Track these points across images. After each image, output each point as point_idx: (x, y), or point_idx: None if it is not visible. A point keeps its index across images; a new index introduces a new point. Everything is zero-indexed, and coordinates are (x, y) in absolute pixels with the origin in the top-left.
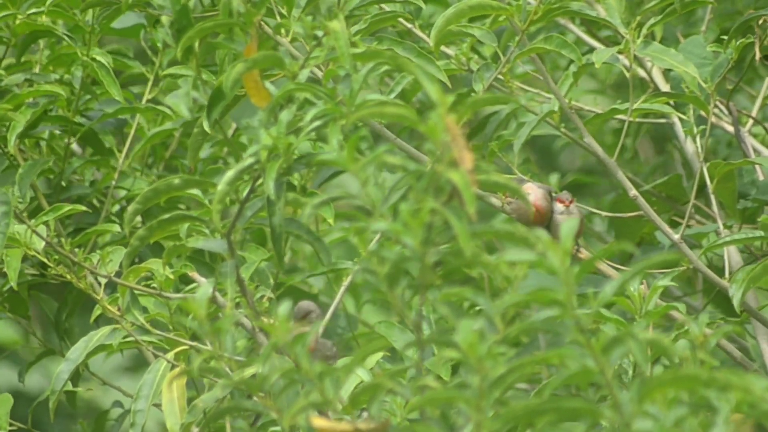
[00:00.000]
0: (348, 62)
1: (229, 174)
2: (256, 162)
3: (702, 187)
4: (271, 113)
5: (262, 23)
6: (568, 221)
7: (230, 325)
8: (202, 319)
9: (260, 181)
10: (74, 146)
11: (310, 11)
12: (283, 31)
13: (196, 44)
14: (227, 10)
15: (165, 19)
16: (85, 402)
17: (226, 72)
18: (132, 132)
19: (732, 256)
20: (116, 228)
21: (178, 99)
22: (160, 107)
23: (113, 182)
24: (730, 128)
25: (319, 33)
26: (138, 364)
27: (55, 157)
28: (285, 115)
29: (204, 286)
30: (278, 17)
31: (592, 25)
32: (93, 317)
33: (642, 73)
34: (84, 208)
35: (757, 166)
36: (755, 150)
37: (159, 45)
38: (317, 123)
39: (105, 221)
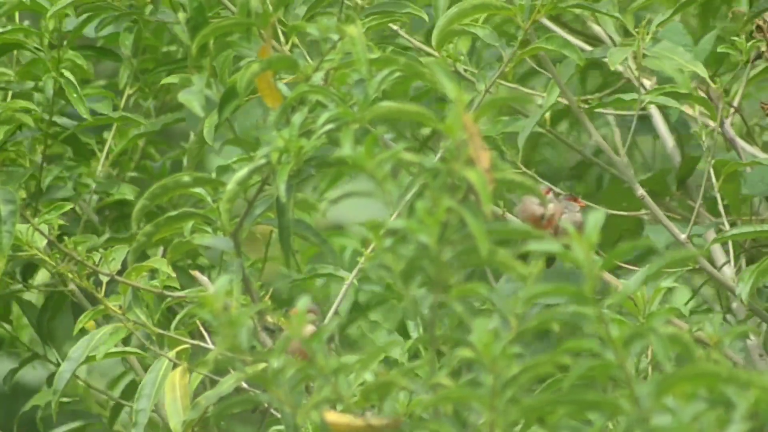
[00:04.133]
0: (365, 67)
1: (240, 173)
2: (266, 163)
3: (684, 179)
4: (283, 115)
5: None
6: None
7: (246, 318)
8: (219, 311)
9: (269, 180)
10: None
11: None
12: (282, 37)
13: (211, 43)
14: (245, 9)
15: (182, 16)
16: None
17: (239, 72)
18: (111, 137)
19: (716, 254)
20: (95, 238)
21: (191, 95)
22: (132, 116)
23: (92, 187)
24: (710, 122)
25: (334, 37)
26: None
27: (34, 166)
28: (297, 118)
29: (220, 279)
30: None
31: (577, 24)
32: (76, 330)
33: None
34: (71, 204)
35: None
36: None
37: (130, 51)
38: (329, 126)
39: (85, 227)
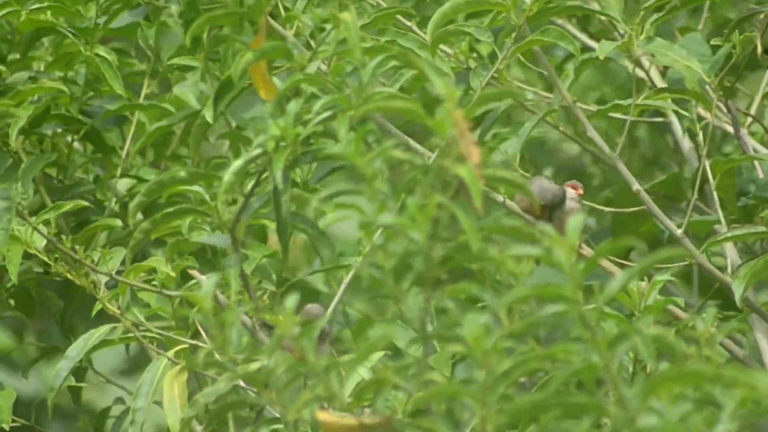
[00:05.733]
0: (358, 54)
1: (236, 164)
2: (263, 153)
3: (701, 184)
4: (279, 105)
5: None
6: (575, 217)
7: (235, 317)
8: (208, 312)
9: (266, 174)
10: (77, 144)
11: (315, 4)
12: (288, 24)
13: (205, 35)
14: (237, 0)
15: (175, 9)
16: (83, 402)
17: (233, 63)
18: (132, 128)
19: (730, 254)
20: (118, 223)
21: (186, 89)
22: (161, 104)
23: (116, 180)
24: (730, 128)
25: (328, 26)
26: (136, 366)
27: (58, 153)
28: (293, 106)
29: (209, 280)
30: (282, 10)
31: (588, 23)
32: (94, 312)
33: (639, 71)
34: (86, 203)
35: (757, 164)
36: (754, 149)
37: (152, 42)
38: (325, 114)
39: (108, 217)
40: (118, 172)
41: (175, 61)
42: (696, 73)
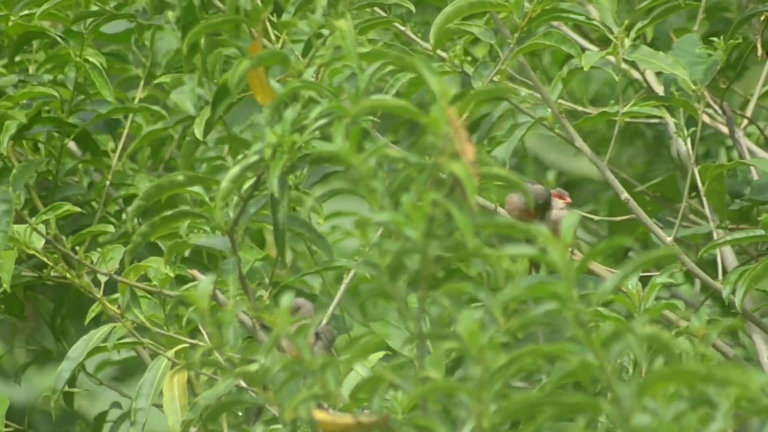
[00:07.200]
0: (354, 61)
1: (233, 171)
2: (260, 159)
3: (696, 187)
4: (276, 111)
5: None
6: (569, 215)
7: (233, 317)
8: (204, 311)
9: (264, 177)
10: (72, 146)
11: (306, 11)
12: (275, 33)
13: (202, 41)
14: (234, 7)
15: (171, 15)
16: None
17: (230, 69)
18: (125, 132)
19: (726, 256)
20: (111, 229)
21: (183, 95)
22: (153, 107)
23: (108, 182)
24: (725, 129)
25: (325, 32)
26: (128, 374)
27: (50, 158)
28: (290, 113)
29: (205, 280)
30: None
31: (584, 25)
32: (88, 319)
33: (635, 73)
34: (78, 209)
35: (752, 166)
36: (750, 150)
37: (147, 43)
38: (322, 121)
39: (101, 221)
40: (110, 175)
41: (162, 80)
42: (683, 80)
